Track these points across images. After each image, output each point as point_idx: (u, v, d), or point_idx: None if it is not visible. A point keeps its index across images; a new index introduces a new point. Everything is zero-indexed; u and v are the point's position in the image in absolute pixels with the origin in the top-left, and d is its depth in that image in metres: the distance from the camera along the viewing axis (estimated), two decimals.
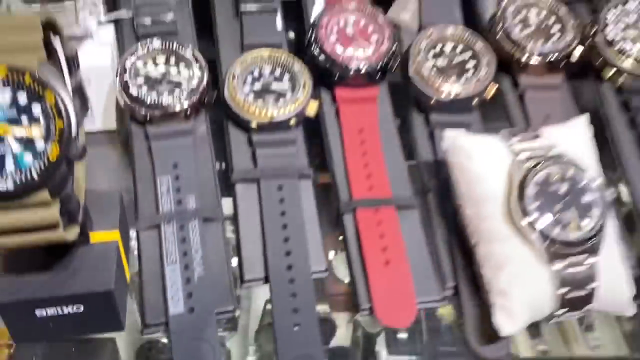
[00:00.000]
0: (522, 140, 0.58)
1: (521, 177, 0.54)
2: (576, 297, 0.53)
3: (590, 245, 0.53)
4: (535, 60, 0.70)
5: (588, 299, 0.54)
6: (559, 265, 0.53)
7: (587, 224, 0.53)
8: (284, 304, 0.56)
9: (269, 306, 0.74)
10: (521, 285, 0.53)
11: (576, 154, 0.57)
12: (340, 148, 0.67)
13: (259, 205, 0.62)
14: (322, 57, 0.68)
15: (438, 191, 0.64)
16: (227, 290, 0.57)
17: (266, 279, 0.58)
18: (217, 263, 0.58)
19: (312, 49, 0.69)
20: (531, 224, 0.53)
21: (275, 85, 0.67)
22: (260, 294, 0.67)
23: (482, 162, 0.57)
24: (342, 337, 0.71)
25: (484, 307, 0.56)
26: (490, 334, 0.55)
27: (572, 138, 0.59)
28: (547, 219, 0.53)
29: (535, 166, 0.55)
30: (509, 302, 0.53)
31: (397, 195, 0.64)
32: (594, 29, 0.71)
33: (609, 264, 0.55)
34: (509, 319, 0.53)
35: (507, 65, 0.72)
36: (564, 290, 0.53)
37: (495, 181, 0.56)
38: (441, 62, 0.70)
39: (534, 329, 0.79)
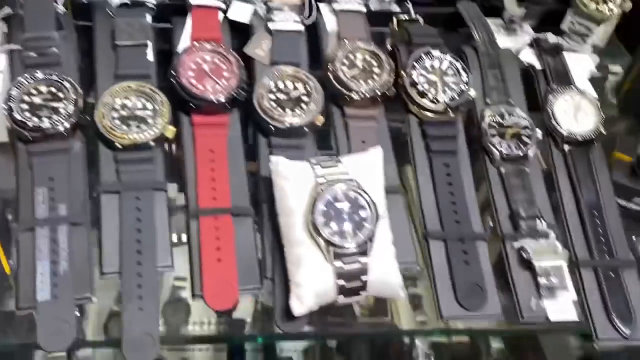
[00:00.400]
0: (324, 167, 0.74)
1: (315, 195, 0.71)
2: (352, 287, 0.71)
3: (362, 249, 0.70)
4: (357, 97, 0.87)
5: (362, 288, 0.71)
6: (338, 263, 0.70)
7: (360, 233, 0.71)
8: (131, 292, 0.72)
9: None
10: (309, 278, 0.70)
11: (364, 179, 0.74)
12: (193, 164, 0.82)
13: (118, 213, 0.77)
14: (180, 89, 0.83)
15: (269, 201, 0.80)
16: (86, 281, 0.72)
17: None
18: (80, 259, 0.73)
19: (173, 81, 0.84)
20: (319, 233, 0.70)
21: (139, 113, 0.81)
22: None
23: (293, 184, 0.74)
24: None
25: (289, 294, 0.73)
26: (291, 315, 0.72)
27: (364, 166, 0.76)
28: (331, 229, 0.70)
29: (328, 187, 0.72)
30: (301, 291, 0.70)
31: (236, 205, 0.80)
32: (403, 72, 0.89)
33: (381, 262, 0.72)
34: (300, 304, 0.70)
35: (337, 99, 0.89)
36: (342, 282, 0.70)
37: (300, 199, 0.73)
38: (281, 95, 0.86)
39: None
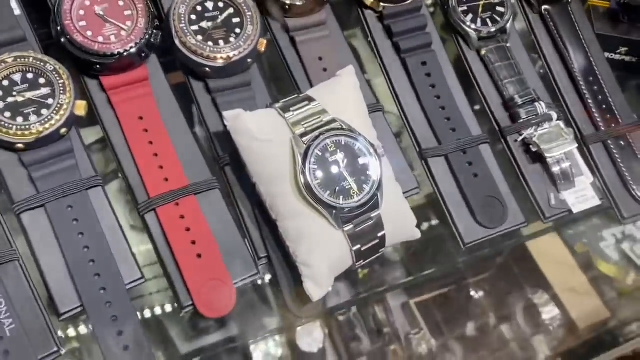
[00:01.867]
0: (295, 110, 0.59)
1: (301, 153, 0.57)
2: (370, 247, 0.59)
3: (371, 203, 0.58)
4: (295, 1, 0.69)
5: (381, 244, 0.60)
6: (348, 227, 0.58)
7: (366, 185, 0.58)
8: (106, 329, 0.57)
9: None
10: (320, 254, 0.58)
11: (346, 113, 0.60)
12: (124, 142, 0.64)
13: (52, 232, 0.59)
14: (74, 49, 0.62)
15: (234, 163, 0.65)
16: (45, 333, 0.56)
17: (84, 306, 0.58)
18: (26, 308, 0.56)
19: (62, 41, 0.63)
20: (317, 199, 0.56)
21: (30, 95, 0.61)
22: None
23: (265, 143, 0.59)
24: None
25: (296, 271, 0.60)
26: (304, 296, 0.60)
27: (341, 96, 0.61)
28: (331, 190, 0.57)
29: (313, 140, 0.57)
30: (313, 271, 0.58)
31: (194, 181, 0.64)
32: None
33: (394, 208, 0.61)
34: (317, 286, 0.58)
35: (273, 10, 0.70)
36: (357, 246, 0.59)
37: (281, 159, 0.58)
38: (206, 24, 0.67)
39: None
